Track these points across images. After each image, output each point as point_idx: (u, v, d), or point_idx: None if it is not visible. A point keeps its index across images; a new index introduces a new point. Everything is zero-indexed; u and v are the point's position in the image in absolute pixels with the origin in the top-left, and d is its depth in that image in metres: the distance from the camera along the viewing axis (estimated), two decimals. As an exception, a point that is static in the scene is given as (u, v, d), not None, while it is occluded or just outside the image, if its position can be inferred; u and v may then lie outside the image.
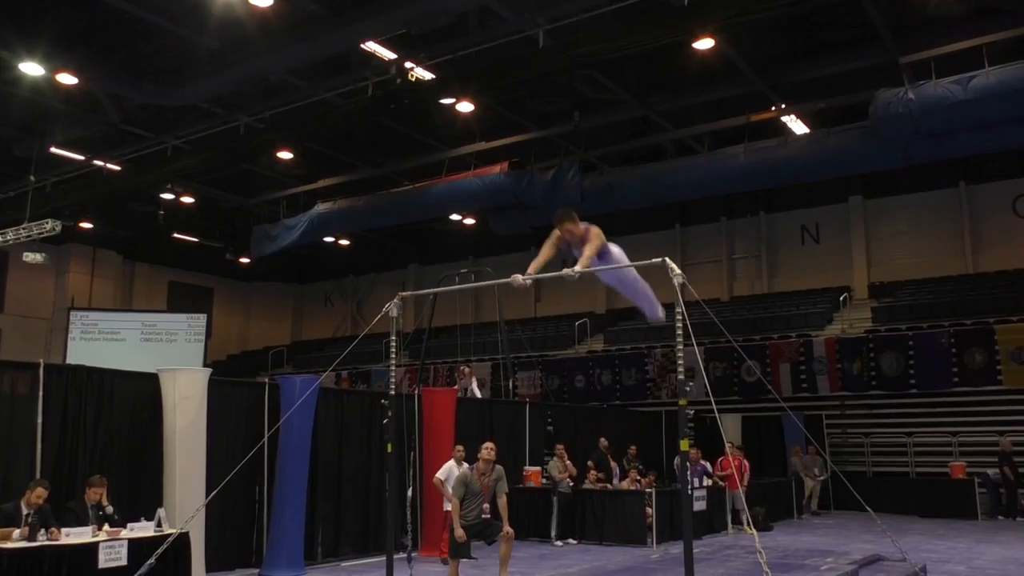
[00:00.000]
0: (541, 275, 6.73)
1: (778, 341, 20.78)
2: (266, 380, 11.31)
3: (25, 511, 7.05)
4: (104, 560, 6.93)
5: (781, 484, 17.22)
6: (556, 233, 6.63)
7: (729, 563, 8.67)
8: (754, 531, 6.07)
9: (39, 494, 7.14)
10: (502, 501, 8.22)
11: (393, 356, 7.53)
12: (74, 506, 7.67)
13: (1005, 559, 11.15)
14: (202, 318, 25.92)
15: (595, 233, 6.52)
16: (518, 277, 6.58)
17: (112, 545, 7.04)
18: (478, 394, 17.04)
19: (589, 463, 14.54)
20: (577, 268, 6.39)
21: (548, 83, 17.28)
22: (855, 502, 14.60)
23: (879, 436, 18.86)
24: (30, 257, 21.97)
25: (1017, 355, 17.59)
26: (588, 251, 6.45)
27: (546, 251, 6.69)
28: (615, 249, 6.74)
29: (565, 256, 6.84)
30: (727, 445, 10.76)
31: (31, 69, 15.55)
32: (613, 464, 14.59)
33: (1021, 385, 17.51)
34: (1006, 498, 16.40)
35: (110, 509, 7.71)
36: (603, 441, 15.24)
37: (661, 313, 7.13)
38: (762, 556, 5.28)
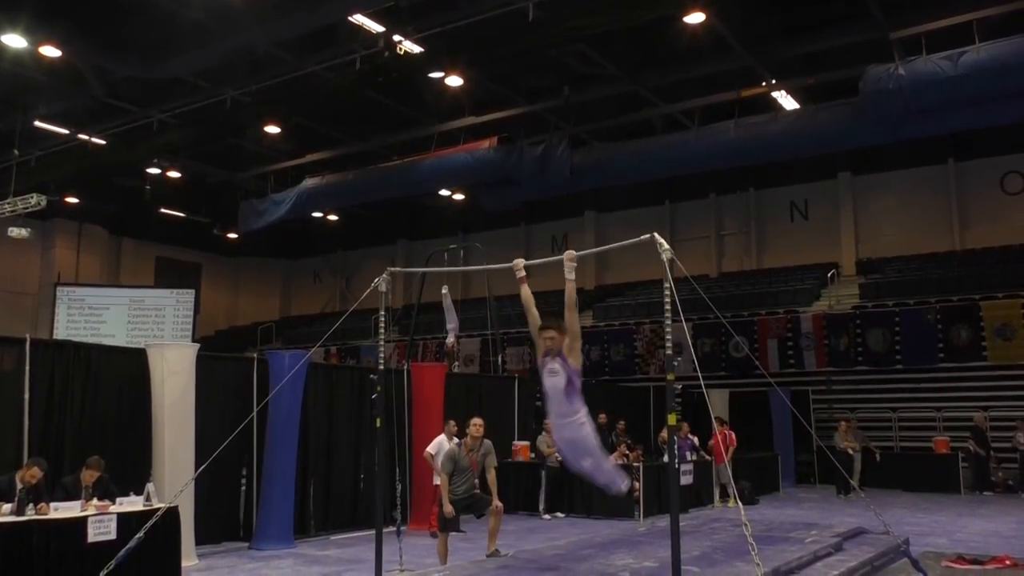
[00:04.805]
0: (536, 260, 6.64)
1: (766, 317, 20.88)
2: (255, 356, 11.30)
3: (19, 486, 7.05)
4: (93, 534, 6.94)
5: (767, 459, 17.39)
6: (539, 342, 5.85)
7: (715, 536, 8.76)
8: (740, 504, 6.12)
9: (33, 473, 7.13)
10: (491, 475, 8.27)
11: (382, 331, 7.52)
12: (67, 483, 7.67)
13: (986, 532, 11.31)
14: (190, 294, 25.80)
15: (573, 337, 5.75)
16: (520, 262, 6.50)
17: (101, 519, 7.05)
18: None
19: None
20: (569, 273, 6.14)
21: (538, 57, 17.14)
22: (840, 476, 14.84)
23: (865, 411, 19.03)
24: (15, 232, 21.78)
25: (1002, 331, 17.74)
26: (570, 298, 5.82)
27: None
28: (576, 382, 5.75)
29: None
30: (714, 420, 10.83)
31: (13, 41, 15.33)
32: (622, 445, 14.51)
33: (1006, 361, 17.69)
34: (974, 472, 16.55)
35: (114, 488, 7.72)
36: (602, 417, 15.33)
37: (624, 485, 6.20)
38: (747, 529, 5.33)
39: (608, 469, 6.05)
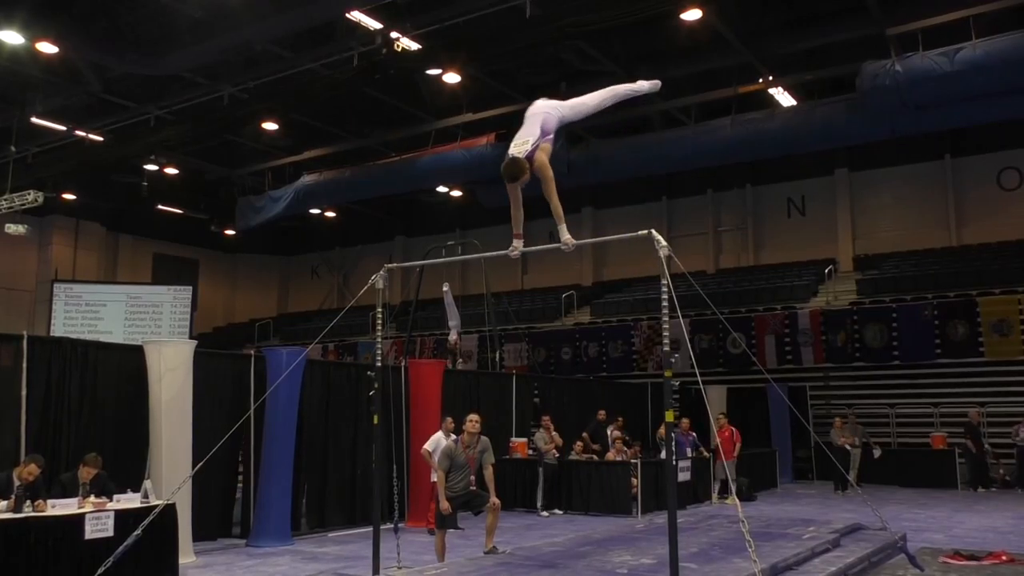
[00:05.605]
0: (532, 248, 6.64)
1: (763, 313, 20.89)
2: (252, 352, 11.29)
3: (17, 483, 7.06)
4: (90, 531, 6.95)
5: (764, 455, 17.41)
6: (513, 187, 6.17)
7: (713, 532, 8.76)
8: (737, 500, 6.13)
9: (31, 470, 7.14)
10: (488, 472, 8.26)
11: (379, 328, 7.52)
12: (65, 480, 7.68)
13: (983, 527, 11.34)
14: (187, 290, 25.80)
15: (541, 164, 5.99)
16: (516, 246, 6.49)
17: (98, 516, 7.05)
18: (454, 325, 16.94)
19: (584, 435, 14.64)
20: (567, 238, 6.28)
21: (535, 54, 17.14)
22: (837, 472, 14.86)
23: (862, 407, 19.02)
24: (12, 228, 21.78)
25: (999, 327, 17.76)
26: (555, 201, 6.09)
27: (518, 206, 6.33)
28: (546, 115, 6.26)
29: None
30: (716, 417, 10.80)
31: (10, 38, 15.31)
32: (617, 435, 14.50)
33: (1002, 357, 17.69)
34: (972, 469, 16.58)
35: (111, 485, 7.72)
36: (601, 413, 15.36)
37: (645, 84, 7.28)
38: (745, 525, 5.34)
39: (617, 91, 7.17)
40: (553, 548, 8.14)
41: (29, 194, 19.94)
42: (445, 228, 28.59)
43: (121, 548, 6.12)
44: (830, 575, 6.87)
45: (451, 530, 8.26)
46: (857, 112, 17.19)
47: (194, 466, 8.09)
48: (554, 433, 13.53)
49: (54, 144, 21.66)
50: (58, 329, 22.99)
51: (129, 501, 7.52)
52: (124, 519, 7.08)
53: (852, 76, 16.73)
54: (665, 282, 5.80)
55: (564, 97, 6.32)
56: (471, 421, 8.32)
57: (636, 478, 12.97)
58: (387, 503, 9.72)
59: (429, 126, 21.04)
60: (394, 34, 15.57)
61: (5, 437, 8.21)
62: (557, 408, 15.38)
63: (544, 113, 6.26)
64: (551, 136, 6.15)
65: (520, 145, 6.05)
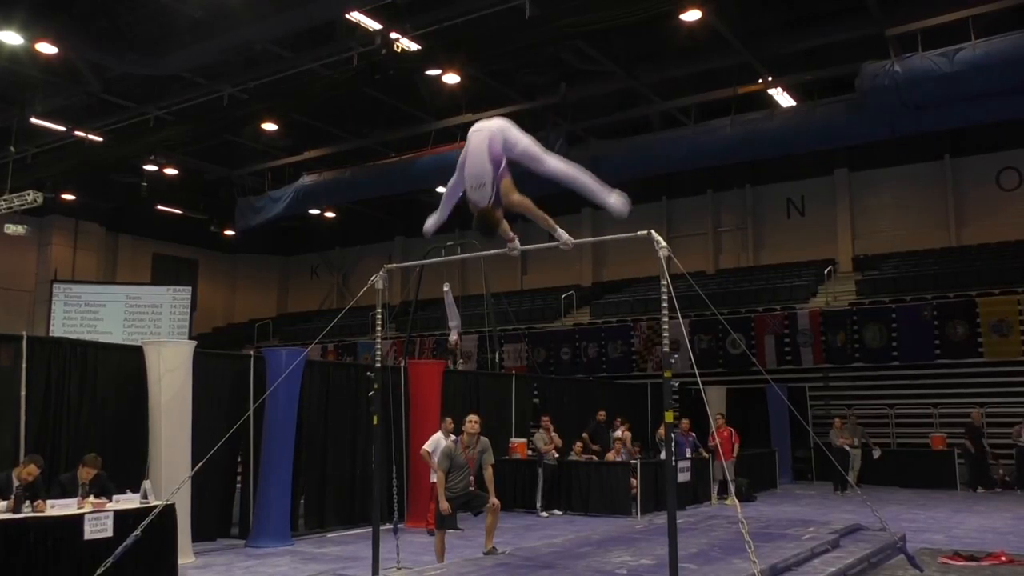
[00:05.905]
0: (531, 246, 6.64)
1: (763, 314, 20.89)
2: (252, 352, 11.29)
3: (16, 483, 7.05)
4: (90, 532, 6.94)
5: (764, 455, 17.41)
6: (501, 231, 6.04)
7: (712, 533, 8.76)
8: (736, 501, 6.13)
9: (30, 471, 7.14)
10: (487, 473, 8.26)
11: (379, 328, 7.52)
12: (64, 480, 7.67)
13: (982, 528, 11.34)
14: (187, 290, 25.77)
15: (512, 203, 5.80)
16: (514, 245, 6.51)
17: (98, 517, 7.04)
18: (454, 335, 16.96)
19: (584, 435, 14.63)
20: (565, 237, 6.30)
21: (535, 54, 17.14)
22: (837, 473, 14.86)
23: (861, 408, 19.02)
24: (11, 229, 21.77)
25: (998, 327, 17.76)
26: (542, 216, 5.92)
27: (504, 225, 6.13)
28: (490, 137, 5.83)
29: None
30: (715, 417, 10.80)
31: (9, 38, 15.32)
32: (627, 436, 14.48)
33: (1002, 357, 17.70)
34: (972, 470, 16.57)
35: (111, 486, 7.72)
36: (601, 414, 15.36)
37: (615, 200, 6.41)
38: (744, 526, 5.34)
39: (584, 180, 6.38)
40: (552, 549, 8.14)
41: (29, 194, 19.94)
42: (445, 228, 28.38)
43: (120, 548, 6.11)
44: (829, 575, 6.87)
45: (450, 531, 8.26)
46: (857, 112, 17.20)
47: (193, 466, 8.09)
48: (554, 434, 13.52)
49: (54, 144, 21.65)
50: (57, 329, 22.98)
51: (128, 501, 7.51)
52: (123, 519, 7.08)
53: (852, 76, 16.73)
54: (665, 282, 5.80)
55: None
56: (471, 421, 8.32)
57: (636, 478, 12.97)
58: (386, 503, 9.72)
59: (429, 126, 21.04)
60: (394, 34, 15.57)
61: (4, 437, 8.21)
62: (557, 408, 15.37)
63: (487, 135, 5.83)
64: (504, 164, 5.78)
65: (478, 190, 5.73)
